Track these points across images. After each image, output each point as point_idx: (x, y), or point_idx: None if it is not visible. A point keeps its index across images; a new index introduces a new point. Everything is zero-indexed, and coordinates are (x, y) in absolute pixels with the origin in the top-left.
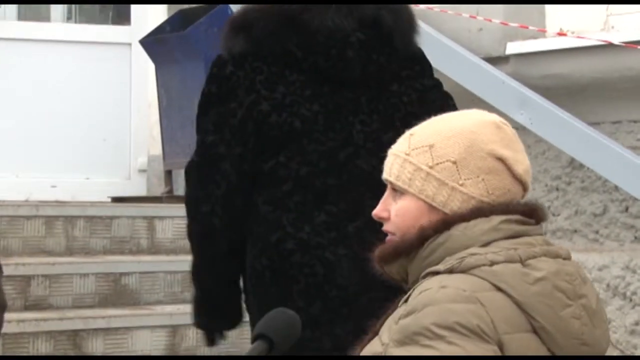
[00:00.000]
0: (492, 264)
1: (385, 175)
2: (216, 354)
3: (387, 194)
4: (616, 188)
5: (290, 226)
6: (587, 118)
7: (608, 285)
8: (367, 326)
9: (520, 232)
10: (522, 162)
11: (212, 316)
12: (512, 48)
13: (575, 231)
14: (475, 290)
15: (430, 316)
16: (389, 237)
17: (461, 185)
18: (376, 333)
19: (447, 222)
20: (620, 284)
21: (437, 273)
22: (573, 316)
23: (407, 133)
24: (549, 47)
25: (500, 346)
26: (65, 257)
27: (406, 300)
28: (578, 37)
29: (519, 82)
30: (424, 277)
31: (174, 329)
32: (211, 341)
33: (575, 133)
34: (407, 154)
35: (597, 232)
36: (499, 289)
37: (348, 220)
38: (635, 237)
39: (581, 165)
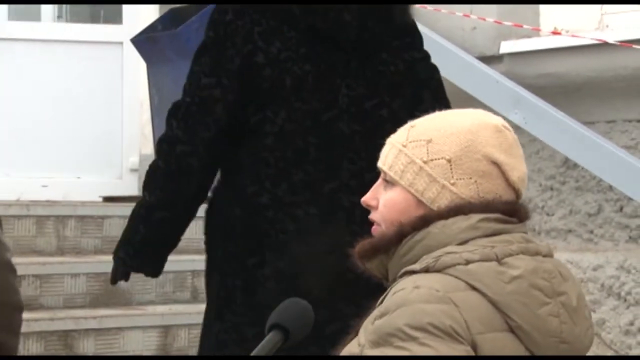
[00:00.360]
0: (468, 262)
1: (379, 163)
2: None
3: (379, 182)
4: (610, 188)
5: (268, 181)
6: (582, 117)
7: (602, 285)
8: (331, 285)
9: (499, 230)
10: (518, 169)
11: (145, 257)
12: (506, 47)
13: (570, 231)
14: (448, 291)
15: (402, 317)
16: (374, 227)
17: (452, 184)
18: (357, 333)
19: (425, 220)
20: (615, 283)
21: (413, 272)
22: (551, 314)
23: (409, 124)
24: (543, 46)
25: (474, 346)
26: (56, 257)
27: (382, 301)
28: (572, 36)
29: (513, 81)
30: (401, 276)
31: (165, 330)
32: (120, 278)
33: (569, 132)
34: (404, 145)
35: (591, 231)
36: (474, 288)
37: (324, 181)
38: (630, 237)
39: (575, 165)
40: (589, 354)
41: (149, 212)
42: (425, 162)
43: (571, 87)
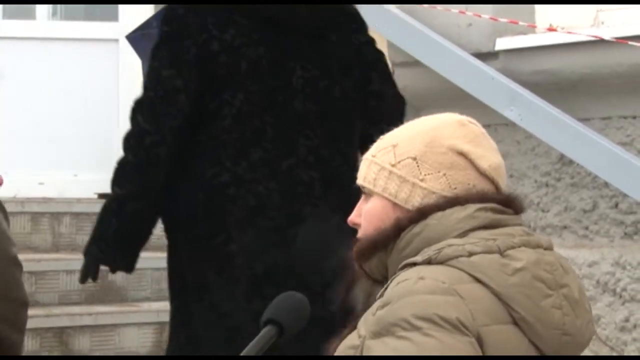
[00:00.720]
0: (470, 254)
1: (358, 181)
2: None
3: (362, 199)
4: (606, 184)
5: (228, 161)
6: (577, 114)
7: (598, 282)
8: (295, 253)
9: (498, 221)
10: (487, 158)
11: (117, 251)
12: (502, 44)
13: (565, 227)
14: (453, 282)
15: (407, 307)
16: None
17: (421, 180)
18: (355, 327)
19: (422, 212)
20: (610, 280)
21: (414, 264)
22: (554, 306)
23: (383, 137)
24: (539, 42)
25: (479, 339)
26: (51, 254)
27: (383, 293)
28: (568, 32)
29: (508, 78)
30: (402, 268)
31: (161, 326)
32: (90, 276)
33: (565, 129)
34: (373, 156)
35: (586, 228)
36: (477, 280)
37: (282, 158)
38: (625, 233)
39: (571, 162)
40: (586, 351)
41: (121, 205)
42: (393, 165)
43: (567, 84)
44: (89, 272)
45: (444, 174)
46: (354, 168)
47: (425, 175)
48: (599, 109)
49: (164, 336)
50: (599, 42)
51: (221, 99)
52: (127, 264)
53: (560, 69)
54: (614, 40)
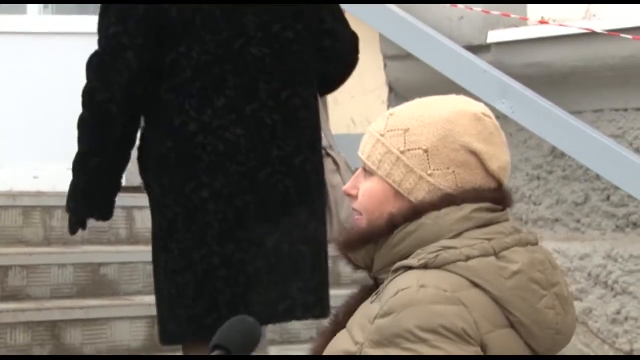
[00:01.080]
0: (468, 259)
1: (359, 152)
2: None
3: (360, 171)
4: (598, 177)
5: (193, 111)
6: (569, 107)
7: (589, 275)
8: (265, 198)
9: (490, 220)
10: (498, 158)
11: (90, 203)
12: (494, 37)
13: (557, 220)
14: (455, 290)
15: (412, 318)
16: (356, 217)
17: (429, 175)
18: (338, 324)
19: (417, 210)
20: (602, 273)
21: (409, 268)
22: (547, 307)
23: (388, 112)
24: (531, 35)
25: (484, 346)
26: (43, 248)
27: (377, 295)
28: (560, 25)
29: (500, 70)
30: (396, 271)
31: (153, 320)
32: (76, 228)
33: (556, 122)
34: (382, 135)
35: (578, 221)
36: (476, 285)
37: (245, 103)
38: (617, 226)
39: (563, 154)
40: (577, 344)
41: (84, 161)
42: (402, 152)
43: (558, 77)
44: (73, 226)
45: (453, 172)
46: (313, 109)
47: (434, 170)
48: (591, 102)
49: (156, 330)
50: (591, 35)
51: (178, 51)
52: (102, 214)
53: (552, 62)
54: (606, 33)
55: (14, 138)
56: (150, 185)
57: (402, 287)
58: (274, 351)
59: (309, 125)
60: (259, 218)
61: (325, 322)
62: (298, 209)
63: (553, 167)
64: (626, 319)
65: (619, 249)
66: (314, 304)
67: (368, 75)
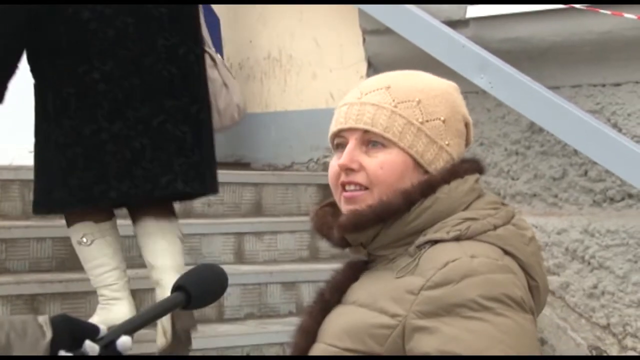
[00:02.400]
0: (495, 227)
1: (360, 125)
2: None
3: (354, 145)
4: (575, 152)
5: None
6: (547, 82)
7: (567, 249)
8: (151, 82)
9: (481, 190)
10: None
11: None
12: (473, 11)
13: (535, 195)
14: (501, 258)
15: (473, 288)
16: (355, 193)
17: (447, 145)
18: (325, 302)
19: (431, 185)
20: (579, 247)
21: (437, 241)
22: (546, 272)
23: (379, 85)
24: (509, 10)
25: (532, 312)
26: (21, 221)
27: (405, 270)
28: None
29: (479, 45)
30: (420, 245)
31: (132, 294)
32: None
33: (535, 97)
34: (395, 106)
35: (556, 196)
36: (507, 253)
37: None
38: (594, 201)
39: (541, 129)
40: (555, 318)
41: None
42: (422, 123)
43: (537, 52)
44: None
45: (458, 142)
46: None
47: (450, 140)
48: (569, 77)
49: (135, 303)
50: (569, 10)
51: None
52: None
53: (530, 37)
54: (584, 7)
55: (11, 113)
56: (40, 65)
57: (451, 258)
58: (252, 325)
59: (193, 21)
60: (145, 99)
61: (311, 301)
62: (181, 93)
63: (531, 142)
64: (603, 293)
65: (596, 224)
66: (193, 178)
67: (347, 50)
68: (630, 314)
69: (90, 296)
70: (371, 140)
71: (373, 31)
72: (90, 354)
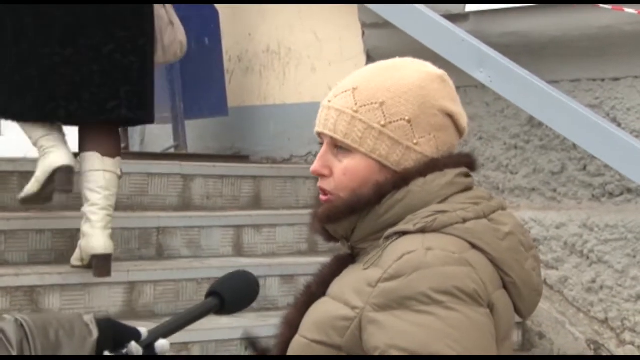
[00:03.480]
0: (464, 221)
1: (325, 131)
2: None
3: (325, 150)
4: (574, 146)
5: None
6: (546, 76)
7: (565, 243)
8: (104, 12)
9: (468, 184)
10: (464, 115)
11: None
12: (472, 5)
13: (533, 189)
14: (461, 252)
15: (424, 280)
16: (327, 197)
17: (415, 144)
18: (311, 295)
19: (404, 178)
20: (578, 241)
21: (404, 233)
22: (531, 268)
23: (348, 86)
24: (509, 4)
25: (491, 306)
26: (21, 213)
27: (370, 261)
28: None
29: (478, 39)
30: (388, 237)
31: (131, 286)
32: None
33: (534, 91)
34: (355, 111)
35: (555, 190)
36: (474, 247)
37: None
38: (593, 195)
39: (540, 124)
40: (553, 312)
41: None
42: (383, 126)
43: (536, 46)
44: None
45: (434, 136)
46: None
47: (419, 138)
48: (568, 72)
49: (134, 295)
50: (569, 5)
51: None
52: None
53: (530, 31)
54: (585, 3)
55: None
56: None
57: (407, 250)
58: (251, 317)
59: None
60: (97, 28)
61: (297, 294)
62: (131, 25)
63: (530, 137)
64: (601, 287)
65: (595, 218)
66: (137, 106)
67: (346, 43)
68: (628, 308)
69: (89, 288)
70: (337, 145)
71: (372, 24)
72: (136, 353)
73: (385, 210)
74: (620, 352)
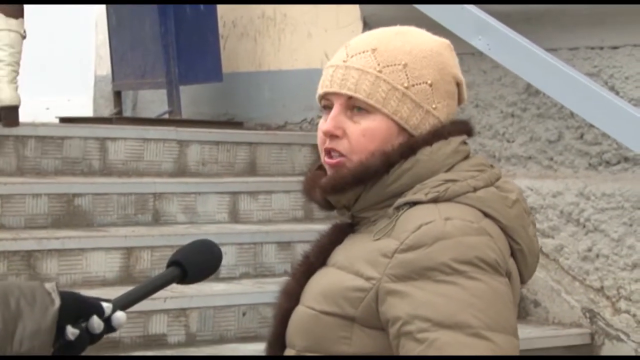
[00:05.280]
0: (475, 190)
1: (344, 90)
2: None
3: (338, 111)
4: (572, 115)
5: None
6: (544, 44)
7: (562, 212)
8: None
9: (468, 152)
10: (464, 85)
11: None
12: None
13: (530, 158)
14: (478, 221)
15: (446, 251)
16: (339, 159)
17: (434, 108)
18: (310, 265)
19: (412, 147)
20: (574, 210)
21: (416, 203)
22: (533, 234)
23: (366, 47)
24: None
25: (508, 275)
26: (16, 177)
27: (382, 232)
28: None
29: (477, 7)
30: (398, 207)
31: (128, 251)
32: None
33: (532, 59)
34: (379, 71)
35: (551, 158)
36: (486, 215)
37: None
38: (590, 164)
39: (537, 92)
40: (549, 280)
41: None
42: (407, 88)
43: (534, 14)
44: None
45: (447, 104)
46: None
47: (437, 103)
48: (567, 40)
49: (131, 261)
50: None
51: None
52: None
53: None
54: None
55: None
56: None
57: (425, 220)
58: (248, 284)
59: None
60: None
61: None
62: None
63: (527, 105)
64: (597, 256)
65: (591, 187)
66: None
67: (342, 10)
68: (624, 277)
69: (87, 253)
70: (355, 106)
71: None
72: (97, 330)
73: (393, 180)
74: (615, 320)
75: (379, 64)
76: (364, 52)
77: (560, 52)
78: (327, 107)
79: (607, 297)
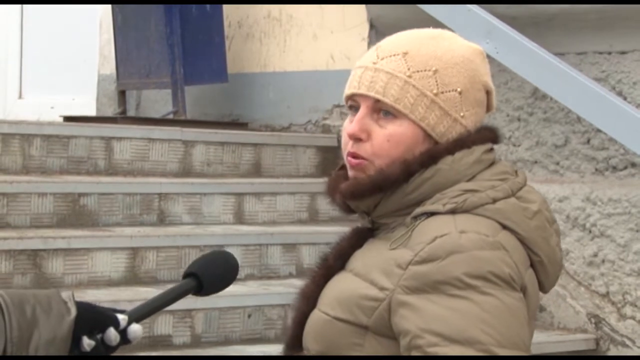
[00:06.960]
0: (494, 201)
1: (371, 93)
2: None
3: (364, 113)
4: (578, 119)
5: None
6: (552, 48)
7: (568, 217)
8: None
9: (493, 160)
10: (494, 93)
11: None
12: None
13: (536, 162)
14: (494, 234)
15: (459, 265)
16: (359, 161)
17: (462, 117)
18: (328, 268)
19: (432, 156)
20: (580, 215)
21: (433, 213)
22: (556, 244)
23: (397, 50)
24: None
25: (523, 288)
26: (22, 176)
27: (399, 241)
28: None
29: (485, 10)
30: (416, 217)
31: (134, 251)
32: None
33: (540, 63)
34: (409, 76)
35: (557, 163)
36: (504, 227)
37: None
38: (596, 169)
39: (544, 96)
40: (549, 293)
41: None
42: (435, 95)
43: (542, 18)
44: None
45: (476, 112)
46: None
47: (465, 111)
48: (574, 44)
49: (137, 261)
50: None
51: None
52: None
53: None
54: None
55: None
56: None
57: (440, 232)
58: (253, 285)
59: None
60: None
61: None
62: None
63: (534, 109)
64: (603, 261)
65: (598, 192)
66: None
67: (349, 12)
68: (630, 282)
69: (92, 253)
70: (382, 109)
71: None
72: (113, 342)
73: (413, 189)
74: (620, 326)
75: (409, 69)
76: (394, 55)
77: (567, 57)
78: (354, 108)
79: (613, 303)
